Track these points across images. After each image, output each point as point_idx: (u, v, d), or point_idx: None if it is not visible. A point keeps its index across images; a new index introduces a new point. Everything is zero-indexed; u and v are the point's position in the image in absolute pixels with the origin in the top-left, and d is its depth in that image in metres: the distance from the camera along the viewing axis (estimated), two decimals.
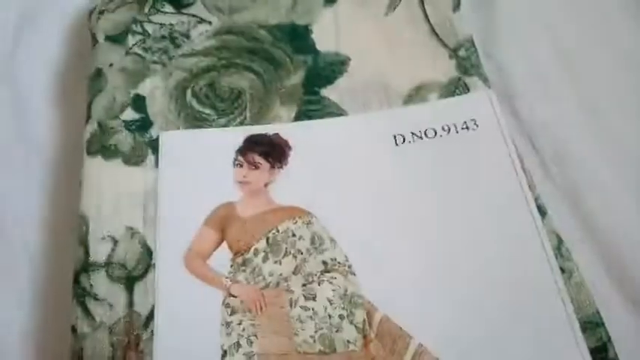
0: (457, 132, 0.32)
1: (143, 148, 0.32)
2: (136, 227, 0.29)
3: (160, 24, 0.36)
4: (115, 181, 0.31)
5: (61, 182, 0.34)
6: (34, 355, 0.29)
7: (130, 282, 0.28)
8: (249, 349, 0.27)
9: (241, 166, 0.31)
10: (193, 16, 0.37)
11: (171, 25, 0.36)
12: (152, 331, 0.27)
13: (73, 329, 0.27)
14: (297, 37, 0.36)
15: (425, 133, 0.32)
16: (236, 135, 0.32)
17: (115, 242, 0.29)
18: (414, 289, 0.28)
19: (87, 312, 0.27)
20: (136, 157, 0.32)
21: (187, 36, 0.36)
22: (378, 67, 0.35)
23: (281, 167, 0.31)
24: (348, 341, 0.28)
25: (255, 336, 0.27)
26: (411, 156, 0.31)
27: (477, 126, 0.32)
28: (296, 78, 0.35)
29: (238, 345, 0.27)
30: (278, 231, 0.30)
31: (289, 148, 0.32)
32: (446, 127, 0.32)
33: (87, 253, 0.29)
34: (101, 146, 0.32)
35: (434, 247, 0.29)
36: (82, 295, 0.28)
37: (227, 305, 0.28)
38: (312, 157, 0.31)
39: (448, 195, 0.30)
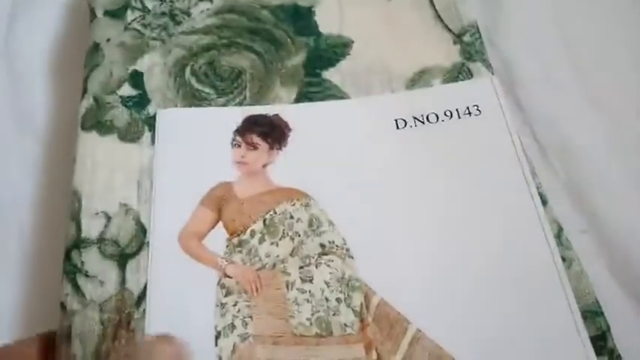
0: (459, 117, 0.31)
1: (140, 124, 0.31)
2: (130, 204, 0.29)
3: (160, 0, 0.35)
4: (110, 156, 0.30)
5: (55, 159, 0.34)
6: (24, 332, 0.29)
7: (122, 259, 0.28)
8: (243, 331, 0.27)
9: (239, 146, 0.30)
10: None
11: (171, 1, 0.35)
12: (144, 310, 0.26)
13: (63, 306, 0.27)
14: (300, 18, 0.35)
15: (427, 118, 0.31)
16: (235, 115, 0.31)
17: (109, 218, 0.28)
18: (413, 274, 0.28)
19: (77, 289, 0.27)
20: (132, 134, 0.31)
21: (188, 13, 0.35)
22: (381, 50, 0.34)
23: (280, 149, 0.31)
24: (345, 325, 0.27)
25: (251, 317, 0.27)
26: (412, 140, 0.31)
27: (480, 112, 0.31)
28: (297, 59, 0.34)
29: (233, 326, 0.27)
30: (275, 212, 0.29)
31: (289, 129, 0.31)
32: (448, 113, 0.31)
33: (79, 229, 0.28)
34: (96, 121, 0.31)
35: (433, 231, 0.29)
36: (72, 271, 0.27)
37: (222, 286, 0.27)
38: (312, 139, 0.31)
39: (449, 179, 0.30)
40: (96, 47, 0.33)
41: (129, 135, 0.31)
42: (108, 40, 0.34)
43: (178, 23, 0.35)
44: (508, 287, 0.27)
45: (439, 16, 0.35)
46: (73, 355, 0.25)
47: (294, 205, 0.29)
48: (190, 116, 0.31)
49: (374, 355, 0.27)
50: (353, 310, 0.27)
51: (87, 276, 0.27)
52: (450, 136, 0.31)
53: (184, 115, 0.32)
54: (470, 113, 0.31)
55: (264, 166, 0.30)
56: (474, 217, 0.29)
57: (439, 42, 0.34)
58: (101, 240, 0.28)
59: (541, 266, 0.28)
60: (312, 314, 0.27)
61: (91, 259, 0.27)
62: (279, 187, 0.30)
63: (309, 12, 0.36)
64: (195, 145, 0.30)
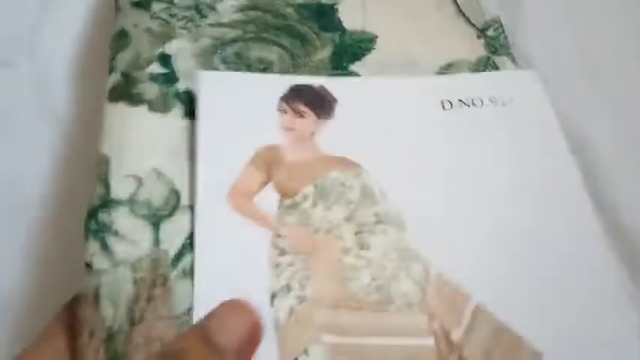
0: (504, 104, 0.32)
1: (170, 98, 0.30)
2: (163, 170, 0.27)
3: None
4: (140, 125, 0.28)
5: (78, 156, 0.33)
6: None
7: (156, 220, 0.25)
8: (300, 293, 0.24)
9: (286, 112, 0.29)
10: None
11: None
12: (180, 270, 0.24)
13: (88, 266, 0.23)
14: (323, 15, 0.36)
15: (472, 102, 0.32)
16: (280, 82, 0.30)
17: (140, 181, 0.26)
18: (467, 249, 0.27)
19: (106, 248, 0.24)
20: (162, 106, 0.29)
21: (213, 8, 0.35)
22: (407, 45, 0.35)
23: (327, 118, 0.30)
24: (406, 293, 0.25)
25: (308, 279, 0.24)
26: (459, 121, 0.31)
27: (523, 101, 0.32)
28: (323, 53, 0.35)
29: (289, 287, 0.24)
30: (326, 179, 0.27)
31: (335, 100, 0.30)
32: (493, 99, 0.32)
33: (107, 190, 0.25)
34: (125, 93, 0.29)
35: (483, 210, 0.28)
36: (99, 230, 0.24)
37: (276, 246, 0.25)
38: (359, 112, 0.30)
39: (498, 163, 0.30)
40: (122, 32, 0.32)
41: (159, 107, 0.29)
42: (135, 25, 0.33)
43: (204, 16, 0.35)
44: (558, 266, 0.26)
45: (461, 12, 0.36)
46: (102, 317, 0.22)
47: (344, 173, 0.28)
48: (233, 80, 0.30)
49: (436, 326, 0.24)
50: (413, 279, 0.25)
51: (117, 235, 0.24)
52: (496, 120, 0.31)
53: (226, 79, 0.30)
54: (513, 101, 0.32)
55: (312, 134, 0.29)
56: (524, 199, 0.29)
57: (463, 36, 0.35)
58: (132, 200, 0.25)
59: (590, 250, 0.27)
60: (372, 280, 0.25)
61: (121, 219, 0.24)
62: (328, 156, 0.28)
63: (331, 9, 0.36)
64: (240, 107, 0.29)
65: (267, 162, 0.27)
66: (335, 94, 0.31)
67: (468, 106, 0.31)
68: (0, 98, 0.36)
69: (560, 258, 0.27)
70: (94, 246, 0.24)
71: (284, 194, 0.27)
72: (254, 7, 0.36)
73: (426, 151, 0.30)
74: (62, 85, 0.36)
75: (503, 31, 0.35)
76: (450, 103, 0.31)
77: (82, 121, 0.35)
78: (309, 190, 0.27)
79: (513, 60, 0.34)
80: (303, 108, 0.30)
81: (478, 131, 0.31)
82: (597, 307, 0.25)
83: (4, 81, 0.36)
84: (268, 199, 0.26)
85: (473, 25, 0.36)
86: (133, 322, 0.22)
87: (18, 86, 0.36)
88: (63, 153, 0.34)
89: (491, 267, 0.26)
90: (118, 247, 0.24)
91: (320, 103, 0.30)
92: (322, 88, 0.31)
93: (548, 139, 0.31)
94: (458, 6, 0.36)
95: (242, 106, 0.29)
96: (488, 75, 0.33)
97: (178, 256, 0.24)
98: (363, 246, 0.26)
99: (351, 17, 0.36)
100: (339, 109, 0.30)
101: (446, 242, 0.26)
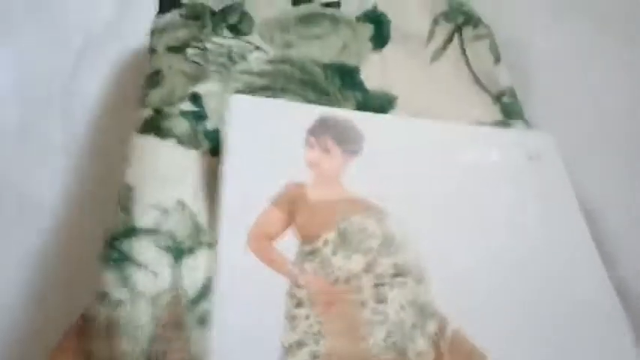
0: (531, 160, 0.32)
1: (199, 135, 0.30)
2: (187, 202, 0.27)
3: (219, 44, 0.37)
4: (167, 156, 0.28)
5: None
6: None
7: (178, 254, 0.25)
8: (315, 349, 0.23)
9: (313, 147, 0.29)
10: (250, 43, 0.38)
11: (229, 46, 0.37)
12: (198, 316, 0.23)
13: (103, 296, 0.23)
14: (347, 75, 0.38)
15: (499, 156, 0.32)
16: (309, 112, 0.30)
17: (165, 211, 0.26)
18: (486, 305, 0.26)
19: (125, 278, 0.23)
20: (191, 141, 0.30)
21: (244, 57, 0.37)
22: (425, 106, 0.36)
23: (354, 155, 0.29)
24: (421, 353, 0.24)
25: (322, 335, 0.24)
26: (484, 174, 0.31)
27: (543, 161, 0.32)
28: (347, 107, 0.36)
29: (303, 343, 0.23)
30: (349, 223, 0.27)
31: (362, 138, 0.30)
32: (520, 155, 0.32)
33: (130, 218, 0.25)
34: (156, 126, 0.30)
35: (504, 269, 0.28)
36: (119, 259, 0.24)
37: (292, 296, 0.24)
38: (386, 150, 0.30)
39: (518, 219, 0.30)
40: (157, 72, 0.34)
41: (188, 142, 0.30)
42: (169, 67, 0.34)
43: (235, 63, 0.36)
44: (571, 323, 0.27)
45: (478, 79, 0.38)
46: (121, 352, 0.21)
47: (368, 217, 0.27)
48: (262, 107, 0.30)
49: None
50: (428, 337, 0.25)
51: (138, 265, 0.24)
52: (515, 178, 0.31)
53: (256, 105, 0.30)
54: (532, 158, 0.32)
55: (338, 172, 0.29)
56: (543, 255, 0.29)
57: (479, 102, 0.37)
58: (156, 231, 0.25)
59: (603, 305, 0.28)
60: (387, 337, 0.24)
61: (143, 249, 0.24)
62: (352, 197, 0.28)
63: (355, 71, 0.38)
64: (267, 138, 0.29)
65: (291, 202, 0.27)
66: (362, 130, 0.30)
67: (495, 160, 0.31)
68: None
69: (575, 316, 0.27)
70: (111, 275, 0.23)
71: (305, 237, 0.26)
72: (282, 61, 0.38)
73: (449, 201, 0.29)
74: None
75: (517, 100, 0.37)
76: (476, 154, 0.31)
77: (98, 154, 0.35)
78: (330, 235, 0.27)
79: (528, 125, 0.36)
80: (330, 143, 0.29)
81: (498, 185, 0.31)
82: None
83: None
84: (288, 242, 0.26)
85: (488, 91, 0.37)
86: None
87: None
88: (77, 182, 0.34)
89: (509, 325, 0.26)
90: (139, 278, 0.23)
91: (347, 139, 0.30)
92: (350, 122, 0.31)
93: (566, 198, 0.31)
94: (474, 74, 0.38)
95: (269, 137, 0.29)
96: (516, 132, 0.34)
97: (196, 300, 0.23)
98: (380, 299, 0.25)
99: (372, 79, 0.37)
100: (366, 147, 0.30)
101: (465, 297, 0.26)
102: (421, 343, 0.25)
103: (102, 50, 0.41)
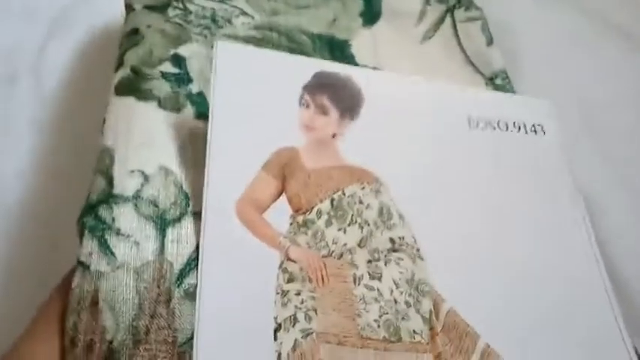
0: (527, 133, 0.31)
1: (182, 98, 0.28)
2: (171, 168, 0.25)
3: (202, 6, 0.35)
4: (148, 120, 0.26)
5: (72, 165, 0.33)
6: None
7: (162, 224, 0.23)
8: (306, 326, 0.22)
9: (308, 107, 0.27)
10: (235, 7, 0.36)
11: (212, 9, 0.35)
12: (184, 290, 0.21)
13: (84, 265, 0.21)
14: (337, 48, 0.36)
15: (497, 124, 0.31)
16: (305, 66, 0.28)
17: (146, 178, 0.24)
18: (482, 285, 0.26)
19: (105, 247, 0.21)
20: (173, 104, 0.28)
21: (229, 21, 0.35)
22: None
23: (351, 119, 0.27)
24: (414, 331, 0.24)
25: (315, 311, 0.22)
26: (484, 143, 0.30)
27: (544, 133, 0.31)
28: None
29: (295, 319, 0.22)
30: (344, 194, 0.26)
31: (362, 98, 0.28)
32: (517, 125, 0.31)
33: (110, 184, 0.23)
34: (134, 88, 0.27)
35: (502, 246, 0.27)
36: (98, 227, 0.22)
37: (284, 270, 0.23)
38: (385, 116, 0.28)
39: (515, 196, 0.29)
40: (135, 31, 0.31)
41: (170, 105, 0.27)
42: (148, 26, 0.31)
43: (220, 27, 0.34)
44: (561, 303, 0.26)
45: (470, 61, 0.37)
46: (101, 326, 0.19)
47: (364, 188, 0.26)
48: (253, 57, 0.28)
49: None
50: (422, 316, 0.24)
51: (119, 234, 0.22)
52: (520, 148, 0.30)
53: (246, 54, 0.28)
54: (535, 131, 0.31)
55: (334, 136, 0.27)
56: (539, 231, 0.28)
57: (471, 83, 0.36)
58: (137, 197, 0.23)
59: (592, 285, 0.27)
60: (380, 316, 0.23)
61: (124, 216, 0.22)
62: (348, 165, 0.26)
63: (345, 44, 0.36)
64: (258, 93, 0.26)
65: (283, 168, 0.25)
66: (362, 90, 0.28)
67: (494, 128, 0.30)
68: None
69: (565, 301, 0.26)
70: (90, 244, 0.21)
71: (298, 207, 0.25)
72: (270, 28, 0.36)
73: (448, 172, 0.28)
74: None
75: (510, 82, 0.36)
76: (477, 122, 0.30)
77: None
78: (324, 205, 0.25)
79: None
80: (326, 102, 0.27)
81: (502, 157, 0.29)
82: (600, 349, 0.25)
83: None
84: (280, 212, 0.24)
85: (481, 73, 0.36)
86: (136, 341, 0.19)
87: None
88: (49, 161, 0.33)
89: (505, 306, 0.25)
90: (120, 248, 0.21)
91: (345, 99, 0.28)
92: (350, 80, 0.28)
93: (564, 176, 0.30)
94: (466, 55, 0.37)
95: (261, 95, 0.26)
96: (516, 98, 0.33)
97: (183, 273, 0.22)
98: (374, 276, 0.24)
99: (363, 54, 0.36)
100: (365, 110, 0.28)
101: (461, 275, 0.25)
102: (415, 322, 0.24)
103: (72, 22, 0.39)
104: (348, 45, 0.36)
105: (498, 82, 0.36)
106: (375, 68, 0.35)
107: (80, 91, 0.37)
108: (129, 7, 0.33)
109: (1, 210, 0.31)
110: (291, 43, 0.35)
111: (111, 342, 0.19)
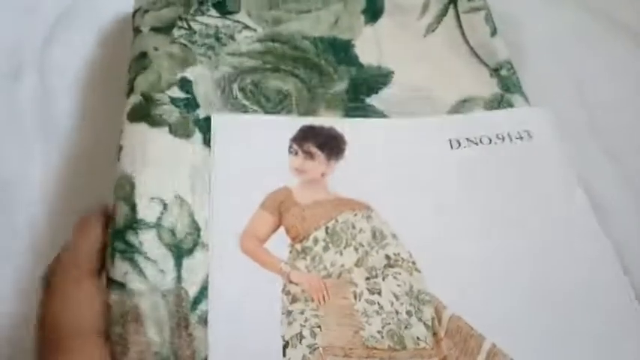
0: (511, 141, 0.32)
1: (190, 124, 0.30)
2: (185, 198, 0.27)
3: (206, 24, 0.36)
4: (161, 147, 0.28)
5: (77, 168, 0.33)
6: None
7: (179, 253, 0.25)
8: (312, 341, 0.24)
9: (296, 154, 0.30)
10: (238, 22, 0.37)
11: (216, 26, 0.36)
12: (198, 316, 0.24)
13: (120, 285, 0.23)
14: (340, 49, 0.37)
15: (480, 140, 0.32)
16: (290, 124, 0.31)
17: (165, 206, 0.26)
18: (480, 289, 0.27)
19: (138, 269, 0.24)
20: (182, 130, 0.30)
21: (232, 37, 0.36)
22: (422, 81, 0.35)
23: (337, 159, 0.30)
24: (418, 338, 0.25)
25: (319, 327, 0.24)
26: (467, 160, 0.31)
27: (531, 137, 0.32)
28: (341, 86, 0.35)
29: (301, 336, 0.24)
30: (337, 221, 0.28)
31: (344, 142, 0.31)
32: (500, 136, 0.32)
33: (134, 210, 0.26)
34: (146, 114, 0.30)
35: (496, 249, 0.28)
36: (129, 251, 0.24)
37: (287, 293, 0.25)
38: (368, 152, 0.31)
39: (506, 200, 0.30)
40: (143, 55, 0.33)
41: (179, 131, 0.29)
42: (155, 49, 0.33)
43: (224, 45, 0.35)
44: (571, 300, 0.27)
45: (474, 52, 0.36)
46: (148, 342, 0.22)
47: (355, 215, 0.28)
48: (245, 122, 0.31)
49: None
50: (425, 323, 0.26)
51: (147, 258, 0.24)
52: (504, 158, 0.31)
53: (239, 120, 0.31)
54: (521, 138, 0.32)
55: (323, 175, 0.30)
56: (534, 236, 0.29)
57: (476, 75, 0.36)
58: (159, 225, 0.25)
59: (606, 279, 0.28)
60: (383, 327, 0.25)
61: (149, 243, 0.25)
62: (339, 197, 0.29)
63: (348, 44, 0.37)
64: (252, 149, 0.29)
65: (279, 205, 0.28)
66: (345, 136, 0.31)
67: (476, 144, 0.31)
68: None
69: (572, 294, 0.27)
70: (123, 265, 0.24)
71: (295, 237, 0.27)
72: (272, 39, 0.36)
73: (435, 191, 0.30)
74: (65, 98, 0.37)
75: (515, 72, 0.36)
76: (458, 142, 0.32)
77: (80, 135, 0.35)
78: (320, 233, 0.27)
79: (526, 98, 0.35)
80: (313, 149, 0.30)
81: (486, 171, 0.31)
82: (610, 343, 0.26)
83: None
84: (280, 242, 0.26)
85: (486, 64, 0.36)
86: (176, 356, 0.22)
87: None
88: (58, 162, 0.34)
89: (505, 306, 0.26)
90: (149, 271, 0.24)
91: (330, 144, 0.30)
92: (332, 129, 0.31)
93: (558, 174, 0.31)
94: (471, 46, 0.37)
95: (254, 148, 0.30)
96: (495, 113, 0.33)
97: (196, 300, 0.24)
98: (374, 291, 0.26)
99: (367, 53, 0.36)
100: (348, 150, 0.30)
101: (459, 282, 0.27)
102: (418, 329, 0.25)
103: (76, 18, 0.40)
104: (351, 45, 0.37)
105: (504, 72, 0.35)
106: (379, 67, 0.36)
107: (84, 87, 0.38)
108: (137, 30, 0.35)
109: (5, 205, 0.32)
110: (294, 51, 0.36)
111: (157, 354, 0.22)
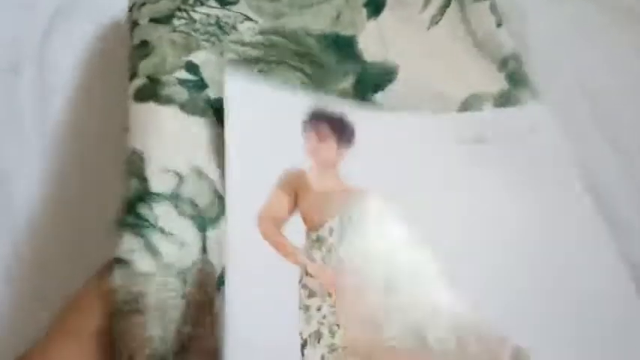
0: (516, 138, 0.32)
1: (201, 103, 0.28)
2: (203, 170, 0.25)
3: (206, 14, 0.34)
4: (173, 121, 0.26)
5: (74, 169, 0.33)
6: None
7: (202, 222, 0.23)
8: (331, 341, 0.22)
9: (310, 135, 0.29)
10: (239, 13, 0.35)
11: (217, 16, 0.34)
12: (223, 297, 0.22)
13: (124, 263, 0.20)
14: (344, 45, 0.35)
15: (489, 138, 0.32)
16: (304, 101, 0.30)
17: (181, 177, 0.24)
18: (497, 289, 0.26)
19: (150, 246, 0.21)
20: (194, 108, 0.28)
21: (235, 27, 0.34)
22: (428, 76, 0.35)
23: (347, 147, 0.29)
24: (442, 339, 0.24)
25: (337, 325, 0.23)
26: (476, 158, 0.31)
27: (535, 133, 0.32)
28: (346, 82, 0.34)
29: (319, 334, 0.22)
30: (352, 213, 0.27)
31: (353, 131, 0.30)
32: (509, 134, 0.32)
33: (145, 183, 0.23)
34: (153, 94, 0.27)
35: (508, 245, 0.28)
36: (139, 225, 0.21)
37: (304, 286, 0.23)
38: (376, 144, 0.30)
39: (515, 199, 0.29)
40: (144, 43, 0.31)
41: (191, 108, 0.28)
42: (159, 37, 0.31)
43: (227, 33, 0.34)
44: (582, 299, 0.26)
45: (480, 44, 0.36)
46: (147, 337, 0.19)
47: (369, 207, 0.27)
48: (260, 92, 0.30)
49: None
50: (446, 325, 0.24)
51: (163, 232, 0.21)
52: (512, 156, 0.31)
53: (253, 90, 0.29)
54: (525, 135, 0.32)
55: (334, 162, 0.28)
56: (545, 232, 0.28)
57: (483, 69, 0.35)
58: (176, 196, 0.23)
59: (613, 279, 0.27)
60: (405, 326, 0.23)
61: (165, 215, 0.22)
62: (350, 187, 0.28)
63: (351, 40, 0.36)
64: (266, 124, 0.28)
65: (295, 187, 0.26)
66: (353, 123, 0.30)
67: (485, 142, 0.31)
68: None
69: (586, 290, 0.26)
70: (132, 241, 0.21)
71: (310, 225, 0.25)
72: (275, 32, 0.35)
73: (445, 188, 0.29)
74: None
75: (522, 65, 0.35)
76: (464, 139, 0.31)
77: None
78: (334, 222, 0.26)
79: (534, 94, 0.34)
80: (326, 131, 0.29)
81: (494, 167, 0.30)
82: (629, 336, 0.25)
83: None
84: (296, 228, 0.25)
85: (492, 57, 0.35)
86: (178, 351, 0.19)
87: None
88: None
89: (524, 306, 0.25)
90: (165, 247, 0.21)
91: (340, 129, 0.30)
92: (344, 114, 0.30)
93: (561, 173, 0.31)
94: (476, 39, 0.36)
95: (269, 125, 0.28)
96: (501, 111, 0.33)
97: (222, 276, 0.21)
98: (392, 287, 0.24)
99: (371, 48, 0.35)
100: (357, 141, 0.30)
101: (474, 282, 0.26)
102: (441, 330, 0.24)
103: (75, 12, 0.39)
104: (355, 42, 0.36)
105: (510, 66, 0.35)
106: (384, 63, 0.35)
107: (84, 81, 0.37)
108: (134, 24, 0.33)
109: (4, 201, 0.31)
110: (298, 47, 0.35)
111: (153, 353, 0.19)
